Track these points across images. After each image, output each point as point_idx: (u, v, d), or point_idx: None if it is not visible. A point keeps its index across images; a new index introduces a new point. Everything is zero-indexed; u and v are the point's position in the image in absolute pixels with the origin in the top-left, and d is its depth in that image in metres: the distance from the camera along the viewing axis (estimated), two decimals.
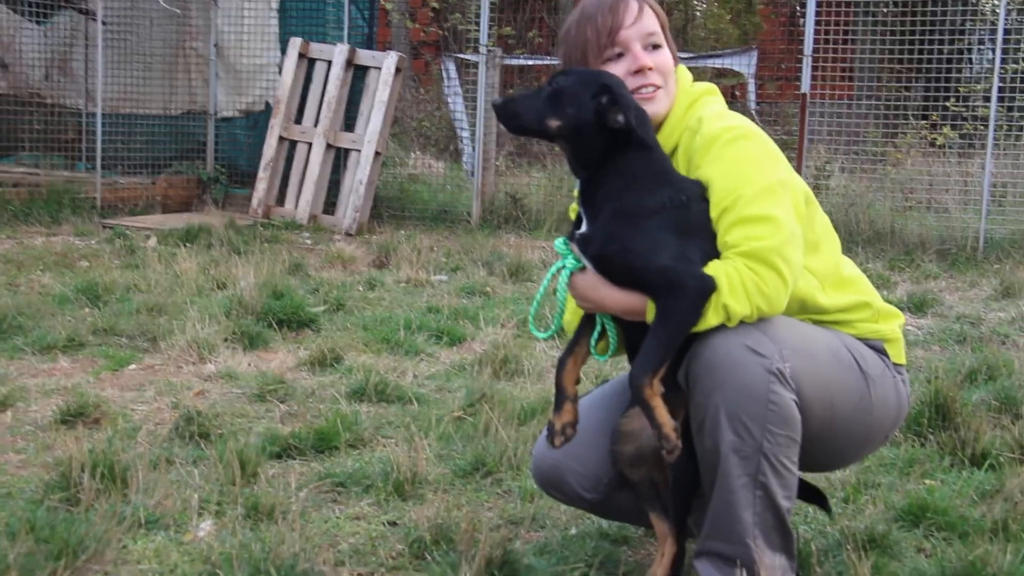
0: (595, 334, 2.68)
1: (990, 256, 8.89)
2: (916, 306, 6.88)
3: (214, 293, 6.66)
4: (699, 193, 2.57)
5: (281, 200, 10.72)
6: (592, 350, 2.71)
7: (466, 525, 2.97)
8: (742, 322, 2.48)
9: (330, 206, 10.55)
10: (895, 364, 2.78)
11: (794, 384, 2.47)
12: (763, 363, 2.44)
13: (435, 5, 17.80)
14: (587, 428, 2.70)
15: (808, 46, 9.89)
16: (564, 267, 2.61)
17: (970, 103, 10.69)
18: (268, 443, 3.83)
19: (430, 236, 9.76)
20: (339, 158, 10.70)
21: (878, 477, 3.71)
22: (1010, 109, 10.54)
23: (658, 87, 2.70)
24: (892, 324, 2.81)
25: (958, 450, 3.92)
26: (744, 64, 10.66)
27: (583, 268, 2.59)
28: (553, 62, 12.21)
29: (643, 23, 2.71)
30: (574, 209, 2.76)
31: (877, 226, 9.41)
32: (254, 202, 10.68)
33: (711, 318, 2.46)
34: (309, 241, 9.47)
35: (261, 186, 10.68)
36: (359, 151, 10.45)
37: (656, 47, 2.72)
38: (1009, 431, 4.10)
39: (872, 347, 2.73)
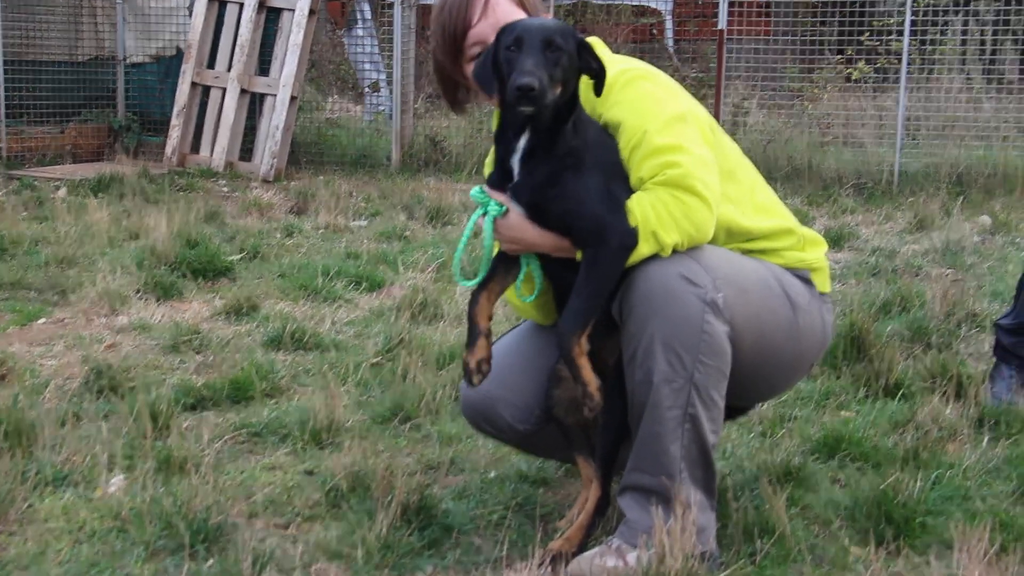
0: (520, 276, 2.66)
1: (904, 189, 9.00)
2: (833, 240, 6.94)
3: (127, 244, 6.51)
4: (609, 134, 2.57)
5: (196, 147, 10.51)
6: (517, 291, 2.69)
7: (382, 472, 2.93)
8: (675, 251, 2.48)
9: (246, 152, 10.36)
10: (820, 293, 2.79)
11: (727, 314, 2.47)
12: (698, 293, 2.45)
13: None
14: (518, 358, 2.69)
15: None
16: (487, 213, 2.57)
17: (884, 38, 10.76)
18: (182, 395, 3.76)
19: (349, 181, 9.63)
20: (254, 103, 10.49)
21: (795, 411, 3.75)
22: (923, 43, 10.65)
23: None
24: (817, 252, 2.82)
25: (872, 381, 3.97)
26: (661, 1, 10.61)
27: (506, 213, 2.55)
28: None
29: (495, 14, 2.65)
30: (491, 165, 2.72)
31: (795, 162, 9.48)
32: (168, 150, 10.45)
33: (643, 248, 2.46)
34: (226, 189, 9.30)
35: (175, 133, 10.45)
36: (274, 96, 10.25)
37: None
38: (921, 360, 4.16)
39: (798, 276, 2.74)
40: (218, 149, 10.32)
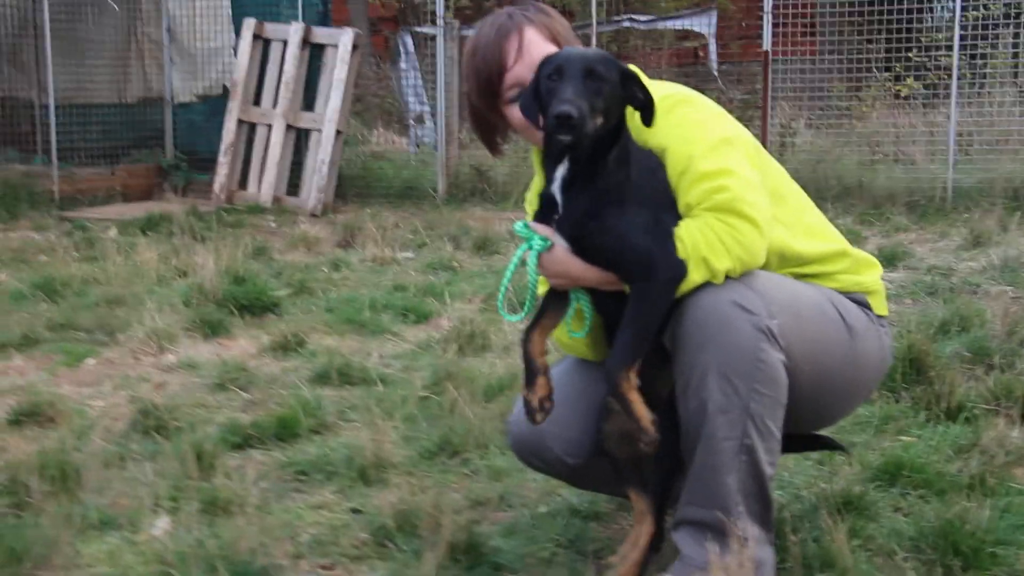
0: (570, 311, 2.60)
1: (959, 206, 8.84)
2: (887, 259, 6.80)
3: (175, 282, 6.53)
4: (660, 163, 2.51)
5: (243, 184, 10.57)
6: (568, 328, 2.63)
7: (430, 510, 2.87)
8: (728, 278, 2.41)
9: (293, 187, 10.40)
10: (878, 316, 2.70)
11: (782, 342, 2.40)
12: (752, 320, 2.37)
13: None
14: (567, 391, 2.63)
15: (768, 2, 9.77)
16: (531, 248, 2.52)
17: (932, 53, 10.61)
18: (228, 433, 3.72)
19: (395, 213, 9.63)
20: (300, 139, 10.54)
21: (853, 436, 3.64)
22: (972, 58, 10.48)
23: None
24: (873, 275, 2.74)
25: (933, 404, 3.85)
26: (704, 24, 10.54)
27: (551, 247, 2.50)
28: None
29: (530, 55, 2.59)
30: (533, 199, 2.68)
31: (845, 181, 9.33)
32: (216, 187, 10.52)
33: (695, 276, 2.40)
34: (273, 224, 9.33)
35: (222, 171, 10.52)
36: (320, 131, 10.30)
37: None
38: (983, 382, 4.04)
39: (855, 300, 2.65)
40: (265, 185, 10.37)
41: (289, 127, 10.41)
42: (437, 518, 2.81)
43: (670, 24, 10.68)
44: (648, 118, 2.48)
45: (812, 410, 2.61)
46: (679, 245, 2.41)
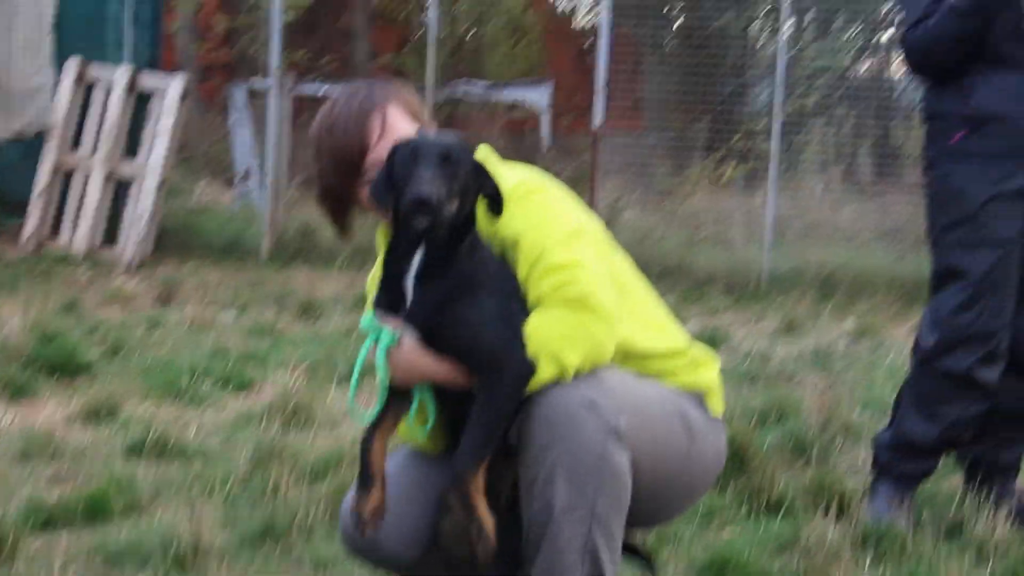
0: (413, 408, 2.53)
1: (773, 290, 9.15)
2: (707, 342, 6.93)
3: None
4: (503, 254, 2.49)
5: (56, 231, 10.11)
6: (409, 424, 2.56)
7: None
8: (576, 374, 2.39)
9: (110, 238, 10.01)
10: (712, 417, 2.73)
11: (627, 441, 2.39)
12: (600, 420, 2.36)
13: (224, 28, 17.34)
14: (403, 483, 2.56)
15: (600, 79, 9.99)
16: (379, 341, 2.45)
17: (754, 140, 11.06)
18: (32, 511, 3.50)
19: (217, 270, 9.37)
20: (119, 187, 10.17)
21: (679, 529, 3.66)
22: (789, 146, 10.96)
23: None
24: (710, 372, 2.76)
25: (754, 498, 3.92)
26: (539, 96, 10.71)
27: (399, 341, 2.43)
28: None
29: (393, 133, 2.54)
30: (373, 286, 2.62)
31: (668, 260, 9.56)
32: (25, 234, 10.03)
33: (545, 372, 2.37)
34: (86, 277, 8.93)
35: (33, 216, 10.05)
36: (142, 180, 9.96)
37: None
38: (801, 476, 4.14)
39: (693, 399, 2.67)
40: (79, 234, 9.95)
41: (109, 175, 10.05)
42: None
43: (505, 94, 10.82)
44: (496, 208, 2.46)
45: (647, 509, 2.60)
46: (529, 340, 2.39)
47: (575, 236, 2.53)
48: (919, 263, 9.27)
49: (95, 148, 10.12)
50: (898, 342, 7.21)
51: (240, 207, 11.65)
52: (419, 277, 2.42)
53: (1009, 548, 3.53)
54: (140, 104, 10.20)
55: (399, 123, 2.58)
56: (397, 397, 2.53)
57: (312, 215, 10.71)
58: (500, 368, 2.38)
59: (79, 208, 10.07)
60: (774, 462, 4.18)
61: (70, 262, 9.44)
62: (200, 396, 5.17)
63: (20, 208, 10.35)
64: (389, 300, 2.47)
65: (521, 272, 2.49)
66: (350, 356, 5.87)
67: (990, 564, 3.39)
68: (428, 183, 2.31)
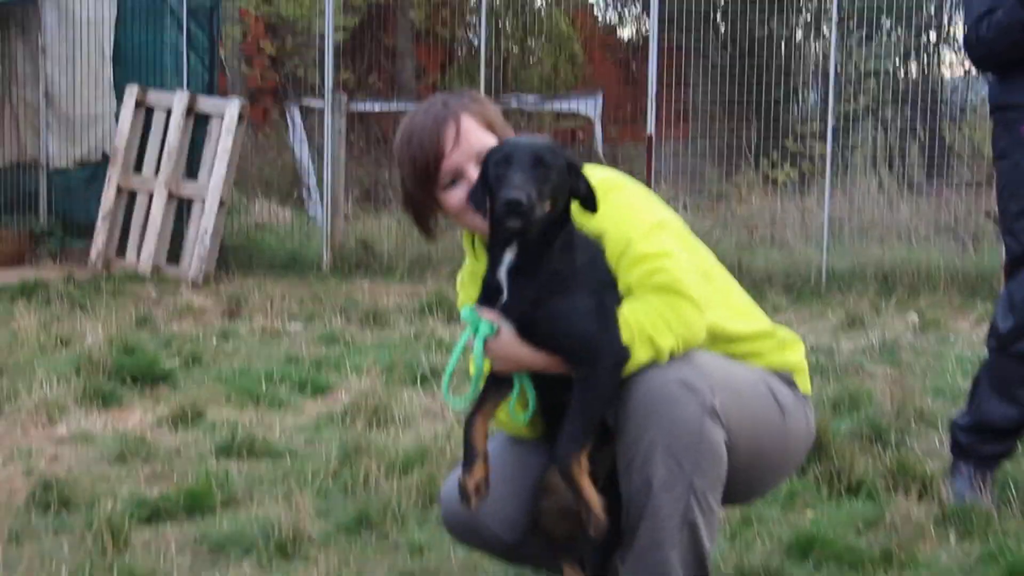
0: (514, 395, 2.62)
1: (832, 288, 9.17)
2: None
3: (58, 351, 6.33)
4: (600, 247, 2.57)
5: (122, 252, 10.34)
6: (511, 411, 2.65)
7: None
8: (671, 356, 2.46)
9: (173, 257, 10.21)
10: (802, 394, 2.80)
11: (723, 420, 2.46)
12: (696, 399, 2.44)
13: (271, 52, 17.58)
14: (503, 467, 2.63)
15: (652, 88, 10.09)
16: (477, 333, 2.54)
17: (807, 141, 11.08)
18: (135, 507, 3.62)
19: (280, 285, 9.52)
20: (181, 207, 10.38)
21: (762, 511, 3.72)
22: (841, 147, 10.97)
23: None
24: (797, 354, 2.84)
25: (835, 480, 3.97)
26: (591, 107, 10.80)
27: (497, 332, 2.53)
28: (399, 107, 12.14)
29: (467, 142, 2.64)
30: (467, 282, 2.75)
31: (725, 262, 9.54)
32: (93, 254, 10.27)
33: (641, 354, 2.45)
34: (154, 294, 9.12)
35: (100, 237, 10.28)
36: (203, 200, 10.16)
37: None
38: (880, 459, 4.18)
39: (782, 378, 2.74)
40: (145, 254, 10.17)
41: (171, 195, 10.25)
42: None
43: (558, 105, 10.93)
44: (591, 207, 2.54)
45: (744, 485, 2.68)
46: (624, 326, 2.47)
47: (659, 228, 2.62)
48: (978, 258, 9.28)
49: (157, 170, 10.34)
50: (963, 334, 7.21)
51: (299, 223, 11.81)
52: (513, 272, 2.51)
53: None
54: (198, 127, 10.41)
55: (473, 132, 2.67)
56: (496, 383, 2.62)
57: (370, 228, 10.88)
58: (597, 355, 2.46)
59: (143, 228, 10.28)
60: (852, 447, 4.23)
61: (137, 280, 9.64)
62: (279, 400, 5.29)
63: (87, 230, 10.61)
64: (486, 294, 2.57)
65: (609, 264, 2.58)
66: (421, 360, 5.97)
67: None
68: (520, 186, 2.39)
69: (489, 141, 2.65)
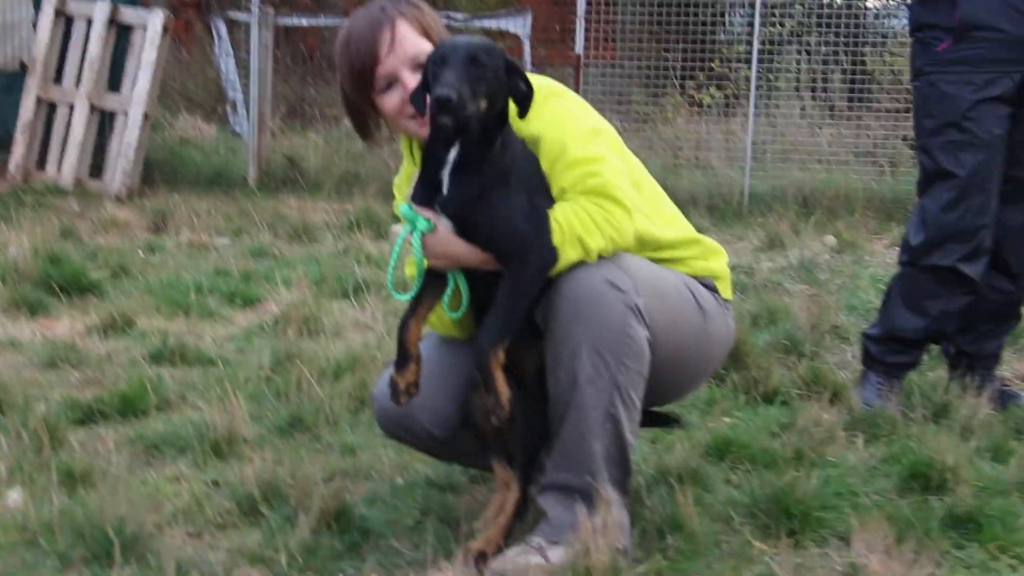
0: (447, 291, 2.70)
1: (754, 210, 9.34)
2: None
3: None
4: (532, 151, 2.66)
5: (42, 164, 10.16)
6: (444, 308, 2.73)
7: (297, 479, 2.93)
8: (599, 258, 2.55)
9: (96, 170, 10.06)
10: (724, 300, 2.92)
11: (647, 319, 2.58)
12: (622, 298, 2.54)
13: None
14: (435, 365, 2.73)
15: (581, 8, 10.10)
16: (415, 229, 2.61)
17: (732, 65, 11.18)
18: (69, 409, 3.67)
19: (206, 200, 9.42)
20: (104, 120, 10.20)
21: (683, 416, 3.86)
22: (768, 71, 11.10)
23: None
24: (720, 261, 2.96)
25: (752, 389, 4.14)
26: (519, 25, 10.77)
27: (434, 228, 2.60)
28: (327, 22, 12.00)
29: (402, 48, 2.71)
30: (403, 184, 2.84)
31: None
32: (11, 166, 10.06)
33: (571, 254, 2.54)
34: (77, 207, 9.00)
35: (19, 149, 10.08)
36: (126, 113, 10.00)
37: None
38: (795, 370, 4.35)
39: (704, 284, 2.86)
40: (66, 166, 10.00)
41: (93, 108, 10.07)
42: (305, 487, 2.88)
43: (486, 23, 10.88)
44: (525, 109, 2.62)
45: (665, 385, 2.80)
46: (555, 226, 2.56)
47: (594, 134, 2.71)
48: (894, 182, 9.51)
49: (78, 82, 10.14)
50: (878, 255, 7.44)
51: (223, 138, 11.67)
52: (454, 171, 2.59)
53: (991, 427, 3.77)
54: (121, 39, 10.20)
55: (408, 37, 2.72)
56: (432, 287, 2.71)
57: (297, 145, 10.81)
58: (527, 253, 2.56)
59: (64, 141, 10.11)
60: (769, 358, 4.39)
61: (59, 193, 9.49)
62: (209, 311, 5.33)
63: (4, 142, 10.38)
64: (425, 192, 2.64)
65: (544, 166, 2.67)
66: (350, 273, 6.03)
67: (974, 440, 3.61)
68: (451, 84, 2.46)
69: (425, 47, 2.71)
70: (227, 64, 11.76)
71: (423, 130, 2.71)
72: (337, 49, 2.79)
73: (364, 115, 2.85)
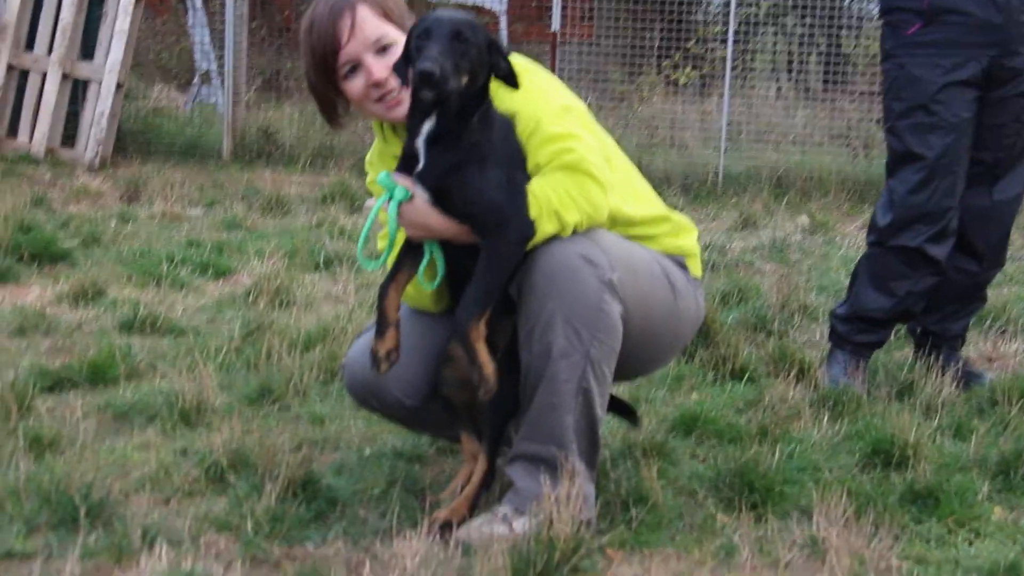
0: (424, 263, 2.71)
1: (728, 190, 9.38)
2: None
3: None
4: (512, 126, 2.67)
5: (14, 132, 10.08)
6: (420, 279, 2.74)
7: (264, 448, 2.95)
8: (574, 232, 2.57)
9: (69, 139, 9.99)
10: (693, 278, 2.95)
11: (620, 294, 2.60)
12: (596, 273, 2.56)
13: None
14: (408, 336, 2.73)
15: None
16: (392, 198, 2.62)
17: (708, 45, 11.21)
18: (38, 377, 3.66)
19: (180, 171, 9.38)
20: (76, 89, 10.12)
21: (651, 392, 3.91)
22: (743, 52, 11.13)
23: (401, 87, 2.70)
24: (690, 239, 2.99)
25: (720, 366, 4.17)
26: (496, 2, 10.75)
27: (411, 198, 2.61)
28: None
29: (363, 32, 2.72)
30: (375, 161, 2.87)
31: None
32: None
33: (547, 227, 2.56)
34: (48, 176, 8.94)
35: None
36: (99, 82, 9.93)
37: (386, 48, 2.73)
38: (763, 347, 4.40)
39: (675, 261, 2.89)
40: (38, 135, 9.92)
41: (65, 76, 9.99)
42: (272, 455, 2.89)
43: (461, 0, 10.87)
44: (512, 85, 2.63)
45: (634, 360, 2.82)
46: (532, 200, 2.58)
47: (567, 111, 2.73)
48: (868, 165, 9.57)
49: (50, 49, 10.05)
50: (849, 236, 7.49)
51: (197, 110, 11.61)
52: (431, 143, 2.60)
53: (954, 406, 3.82)
54: (93, 7, 10.12)
55: (369, 21, 2.73)
56: (410, 257, 2.72)
57: (272, 118, 10.76)
58: (504, 226, 2.57)
59: (36, 109, 10.02)
60: (737, 336, 4.43)
61: (31, 161, 9.42)
62: (180, 281, 5.32)
63: None
64: (404, 162, 2.65)
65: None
66: (324, 246, 6.03)
67: (937, 418, 3.66)
68: (435, 58, 2.47)
69: (386, 30, 2.73)
70: (202, 35, 11.67)
71: (390, 113, 2.73)
72: (301, 35, 2.80)
73: (330, 100, 2.85)
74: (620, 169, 2.91)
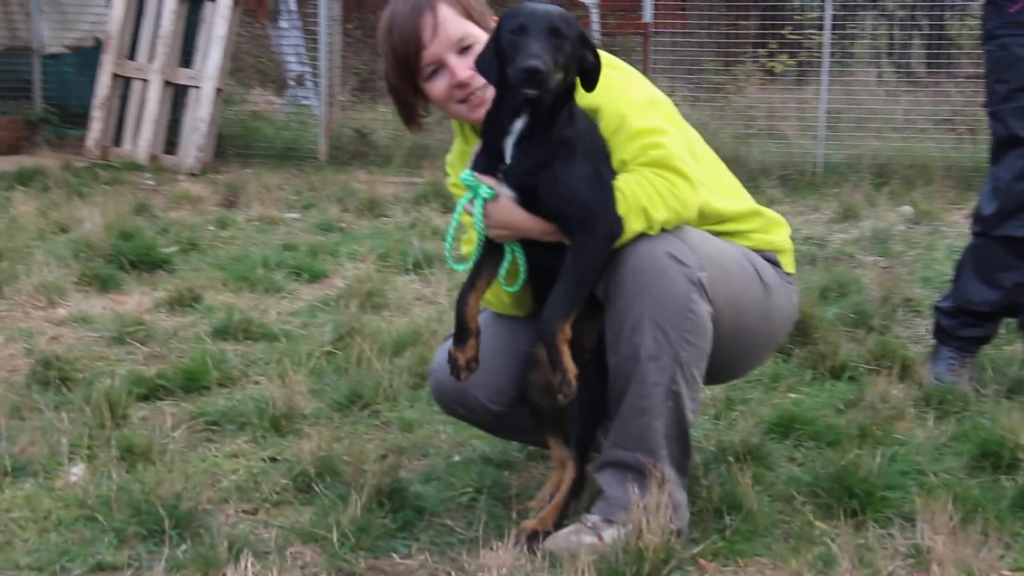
0: (505, 264, 2.67)
1: (828, 180, 9.18)
2: None
3: (57, 237, 6.37)
4: (595, 121, 2.60)
5: (118, 140, 10.31)
6: (501, 281, 2.70)
7: (352, 456, 2.93)
8: (662, 230, 2.51)
9: (171, 145, 10.19)
10: (787, 274, 2.86)
11: (710, 294, 2.52)
12: (685, 272, 2.49)
13: None
14: (492, 340, 2.70)
15: None
16: (477, 196, 2.58)
17: (805, 32, 10.97)
18: (133, 385, 3.70)
19: (277, 174, 9.52)
20: (177, 95, 10.31)
21: (746, 393, 3.82)
22: (842, 38, 10.87)
23: (485, 86, 2.65)
24: (782, 234, 2.89)
25: (819, 364, 4.05)
26: None
27: (496, 197, 2.57)
28: None
29: (445, 32, 2.66)
30: (456, 162, 2.83)
31: (722, 154, 9.50)
32: (89, 142, 10.23)
33: (635, 225, 2.50)
34: (151, 181, 9.14)
35: (96, 126, 10.24)
36: (198, 88, 10.10)
37: (469, 47, 2.67)
38: (864, 343, 4.26)
39: (766, 258, 2.80)
40: (142, 142, 10.14)
41: (167, 83, 10.19)
42: (359, 464, 2.87)
43: None
44: (593, 82, 2.56)
45: (727, 361, 2.74)
46: (619, 197, 2.51)
47: (652, 105, 2.65)
48: (974, 150, 9.27)
49: (151, 57, 10.25)
50: (955, 225, 7.25)
51: (294, 113, 11.74)
52: (519, 141, 2.54)
53: None
54: (192, 13, 10.29)
55: (451, 20, 2.68)
56: (490, 260, 2.67)
57: (367, 119, 10.84)
58: (592, 224, 2.50)
59: (139, 117, 10.24)
60: (837, 332, 4.31)
61: (135, 168, 9.63)
62: (276, 285, 5.36)
63: (81, 119, 10.55)
64: (487, 161, 2.60)
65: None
66: (417, 248, 6.03)
67: None
68: (539, 54, 2.40)
69: (468, 29, 2.68)
70: (296, 38, 11.79)
71: (472, 113, 2.68)
72: (380, 37, 2.76)
73: (409, 102, 2.81)
74: (707, 163, 2.83)
